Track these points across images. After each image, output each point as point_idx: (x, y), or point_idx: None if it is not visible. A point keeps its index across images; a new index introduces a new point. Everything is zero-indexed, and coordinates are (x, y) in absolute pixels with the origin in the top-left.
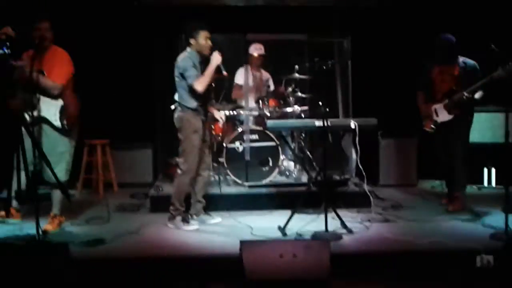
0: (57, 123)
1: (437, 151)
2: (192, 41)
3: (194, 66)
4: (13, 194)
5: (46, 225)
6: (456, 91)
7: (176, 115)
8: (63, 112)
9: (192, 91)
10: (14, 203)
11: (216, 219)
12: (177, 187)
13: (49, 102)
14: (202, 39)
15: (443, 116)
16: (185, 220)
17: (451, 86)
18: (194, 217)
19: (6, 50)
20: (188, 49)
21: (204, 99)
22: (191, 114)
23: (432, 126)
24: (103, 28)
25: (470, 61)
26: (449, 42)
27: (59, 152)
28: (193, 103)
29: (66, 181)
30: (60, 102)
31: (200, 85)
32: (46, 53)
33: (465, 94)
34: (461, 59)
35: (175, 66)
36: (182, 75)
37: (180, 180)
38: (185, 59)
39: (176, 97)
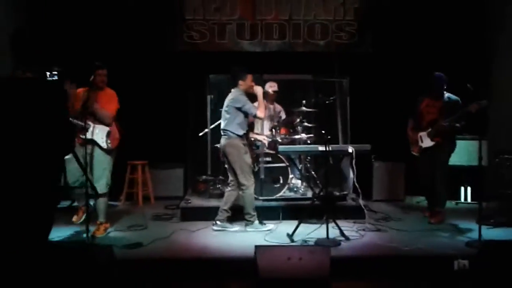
0: (104, 144)
1: (420, 171)
2: (241, 82)
3: (248, 100)
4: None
5: (95, 230)
6: (438, 121)
7: (225, 141)
8: (109, 136)
9: (243, 122)
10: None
11: (235, 227)
12: (248, 199)
13: (101, 128)
14: (249, 80)
15: (427, 142)
16: (262, 223)
17: (435, 117)
18: (218, 223)
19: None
20: (237, 88)
21: (247, 128)
22: (239, 139)
23: (418, 150)
24: (146, 69)
25: (454, 97)
26: (440, 80)
27: (103, 168)
28: (241, 131)
29: (106, 193)
30: (107, 128)
31: (261, 113)
32: (101, 92)
33: (445, 123)
34: (446, 94)
35: (229, 102)
36: (240, 109)
37: (247, 193)
38: (240, 96)
39: (224, 126)
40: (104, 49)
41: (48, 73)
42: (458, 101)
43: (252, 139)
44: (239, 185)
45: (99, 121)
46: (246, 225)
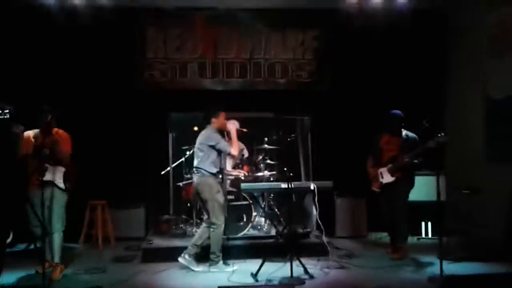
0: (62, 185)
1: (381, 208)
2: (214, 119)
3: (222, 139)
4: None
5: (52, 273)
6: (398, 157)
7: (199, 180)
8: (66, 176)
9: (216, 160)
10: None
11: (199, 267)
12: (216, 239)
13: (58, 169)
14: (222, 118)
15: (387, 178)
16: (226, 263)
17: (394, 153)
18: (186, 257)
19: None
20: (210, 126)
21: (220, 165)
22: (212, 178)
23: (378, 186)
24: (105, 107)
25: (412, 134)
26: (397, 117)
27: (61, 207)
28: (214, 169)
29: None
30: (63, 169)
31: (235, 151)
32: (51, 133)
33: (405, 159)
34: (404, 132)
35: (203, 139)
36: (213, 147)
37: (217, 233)
38: (214, 134)
39: (197, 164)
40: (63, 88)
41: None
42: (415, 138)
43: (230, 176)
44: (209, 224)
45: (55, 163)
46: (210, 265)
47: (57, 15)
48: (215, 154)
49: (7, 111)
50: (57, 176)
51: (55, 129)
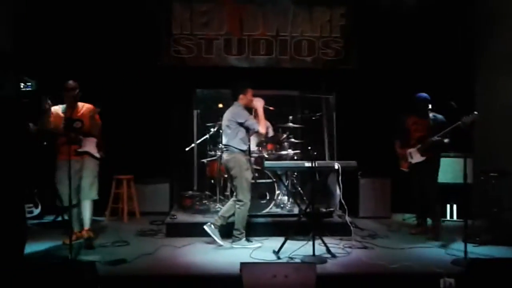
0: (97, 154)
1: (411, 188)
2: (241, 96)
3: (250, 116)
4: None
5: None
6: (427, 138)
7: (228, 156)
8: (98, 146)
9: (245, 137)
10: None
11: (222, 242)
12: (241, 216)
13: (90, 140)
14: (250, 95)
15: (416, 158)
16: (249, 240)
17: (423, 133)
18: (212, 226)
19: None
20: (237, 103)
21: (248, 142)
22: (242, 154)
23: (407, 166)
24: (131, 83)
25: (439, 116)
26: (424, 100)
27: (94, 176)
28: (243, 146)
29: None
30: (95, 140)
31: (263, 129)
32: (77, 107)
33: (435, 139)
34: (431, 113)
35: (230, 116)
36: (241, 124)
37: (242, 210)
38: (242, 111)
39: (226, 141)
40: (90, 63)
41: (22, 84)
42: (443, 119)
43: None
44: (236, 200)
45: (85, 135)
46: (233, 241)
47: None
48: (244, 131)
49: (30, 83)
50: (91, 146)
51: (81, 103)
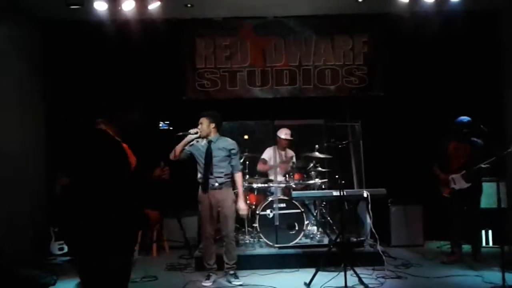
0: None
1: (453, 214)
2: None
3: None
4: None
5: None
6: (472, 164)
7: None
8: None
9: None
10: None
11: (240, 281)
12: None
13: None
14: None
15: (460, 184)
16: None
17: (465, 160)
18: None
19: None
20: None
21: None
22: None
23: (449, 192)
24: (156, 117)
25: (479, 140)
26: (465, 124)
27: None
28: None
29: None
30: None
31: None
32: None
33: (484, 165)
34: (471, 138)
35: (227, 146)
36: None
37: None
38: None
39: (224, 171)
40: (116, 100)
41: (161, 123)
42: (482, 145)
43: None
44: None
45: None
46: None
47: (108, 29)
48: None
49: (167, 122)
50: None
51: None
